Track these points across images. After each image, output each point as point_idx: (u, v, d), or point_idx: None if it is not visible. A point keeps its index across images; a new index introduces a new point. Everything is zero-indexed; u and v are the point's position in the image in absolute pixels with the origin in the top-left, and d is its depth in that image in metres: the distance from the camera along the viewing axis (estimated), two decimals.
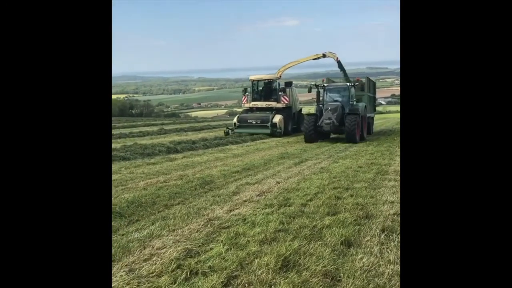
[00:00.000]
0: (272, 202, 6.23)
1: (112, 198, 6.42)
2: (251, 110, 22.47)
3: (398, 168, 9.09)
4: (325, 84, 19.24)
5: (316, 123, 17.40)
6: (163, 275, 3.57)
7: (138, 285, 3.39)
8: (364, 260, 3.86)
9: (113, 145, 14.88)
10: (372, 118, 23.79)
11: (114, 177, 8.65)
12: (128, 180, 8.33)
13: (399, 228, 4.63)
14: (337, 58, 22.39)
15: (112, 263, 3.85)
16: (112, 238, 4.60)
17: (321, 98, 18.79)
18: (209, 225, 5.04)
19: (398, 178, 7.97)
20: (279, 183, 7.88)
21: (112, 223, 5.14)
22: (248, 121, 21.22)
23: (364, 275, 3.55)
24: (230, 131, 21.08)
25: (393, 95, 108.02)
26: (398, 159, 11.03)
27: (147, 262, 3.86)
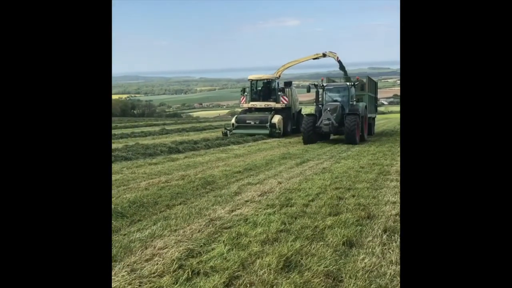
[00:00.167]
0: (274, 203, 6.23)
1: (114, 198, 6.43)
2: (249, 110, 22.05)
3: None
4: (324, 84, 18.73)
5: (315, 124, 16.94)
6: (164, 275, 3.57)
7: (139, 285, 3.39)
8: (366, 260, 3.85)
9: (115, 145, 14.91)
10: (374, 118, 23.29)
11: (116, 177, 8.67)
12: (130, 180, 8.34)
13: None
14: (338, 57, 22.11)
15: (114, 263, 3.86)
16: (114, 238, 4.60)
17: (320, 98, 18.33)
18: (210, 225, 5.04)
19: None
20: (281, 184, 7.87)
21: (114, 223, 5.15)
22: (247, 121, 20.74)
23: (366, 276, 3.54)
24: (228, 131, 20.64)
25: (395, 95, 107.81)
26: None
27: (149, 262, 3.86)
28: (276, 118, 20.19)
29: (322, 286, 3.39)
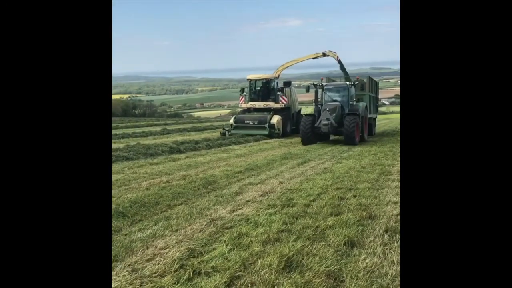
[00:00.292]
0: (275, 203, 6.23)
1: (115, 198, 6.43)
2: (248, 110, 21.77)
3: None
4: (324, 84, 18.35)
5: (313, 124, 16.54)
6: (166, 275, 3.57)
7: (141, 285, 3.39)
8: (367, 260, 3.85)
9: (117, 145, 14.93)
10: (374, 119, 22.99)
11: (117, 177, 8.67)
12: (131, 180, 8.34)
13: None
14: (338, 57, 21.79)
15: (115, 263, 3.86)
16: (115, 238, 4.60)
17: (319, 98, 17.98)
18: (212, 225, 5.04)
19: None
20: (282, 184, 7.87)
21: (115, 223, 5.15)
22: (245, 122, 20.40)
23: (368, 276, 3.54)
24: (226, 132, 20.35)
25: (396, 96, 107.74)
26: None
27: (150, 262, 3.86)
28: (275, 119, 19.91)
29: (324, 286, 3.38)
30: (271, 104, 21.15)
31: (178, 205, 6.22)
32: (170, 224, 5.11)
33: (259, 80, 22.38)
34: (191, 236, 4.63)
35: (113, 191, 7.08)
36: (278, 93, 21.42)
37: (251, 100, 21.85)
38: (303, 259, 3.89)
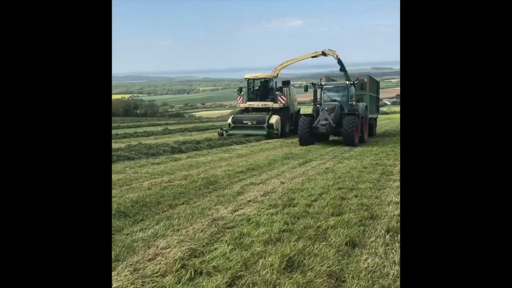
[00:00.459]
0: (276, 203, 6.23)
1: (117, 198, 6.44)
2: (246, 110, 21.36)
3: None
4: (323, 83, 17.88)
5: (312, 124, 16.14)
6: (167, 275, 3.57)
7: (142, 285, 3.39)
8: (369, 261, 3.84)
9: (118, 145, 14.94)
10: (375, 119, 22.59)
11: (118, 176, 8.68)
12: (133, 180, 8.35)
13: None
14: (337, 56, 21.29)
15: (117, 262, 3.87)
16: (117, 238, 4.61)
17: (318, 98, 17.56)
18: (213, 225, 5.04)
19: None
20: (283, 184, 7.87)
21: (117, 223, 5.16)
22: (243, 122, 19.96)
23: (369, 276, 3.53)
24: (224, 132, 19.97)
25: (398, 96, 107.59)
26: None
27: (152, 262, 3.86)
28: (274, 119, 19.57)
29: (325, 286, 3.38)
30: (269, 104, 20.81)
31: (180, 205, 6.22)
32: (171, 224, 5.12)
33: (257, 79, 21.98)
34: (193, 236, 4.64)
35: (114, 191, 7.09)
36: (277, 92, 21.04)
37: (249, 99, 21.47)
38: (304, 259, 3.89)
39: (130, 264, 3.80)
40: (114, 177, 8.58)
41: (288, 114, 21.39)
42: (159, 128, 25.61)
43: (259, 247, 4.20)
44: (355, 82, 17.64)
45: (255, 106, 21.15)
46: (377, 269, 3.69)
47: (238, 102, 22.13)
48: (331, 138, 17.71)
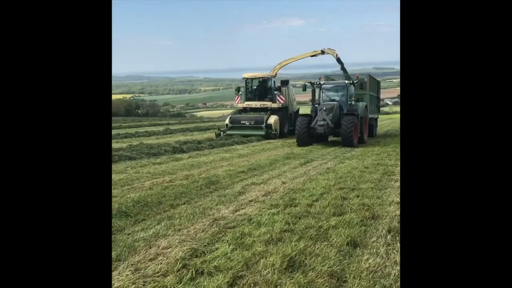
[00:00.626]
0: (277, 203, 6.23)
1: (118, 198, 6.45)
2: (244, 110, 20.90)
3: None
4: (321, 82, 17.37)
5: (309, 125, 15.74)
6: (168, 275, 3.57)
7: (143, 285, 3.39)
8: (370, 261, 3.84)
9: (119, 145, 14.96)
10: (376, 119, 22.14)
11: (120, 176, 8.69)
12: (134, 180, 8.36)
13: None
14: (337, 55, 21.03)
15: (118, 262, 3.87)
16: (118, 237, 4.61)
17: (317, 98, 17.13)
18: (214, 225, 5.04)
19: None
20: (285, 184, 7.87)
21: (118, 222, 5.16)
22: (241, 122, 19.56)
23: (370, 276, 3.53)
24: (222, 132, 19.64)
25: (399, 96, 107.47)
26: None
27: (153, 262, 3.86)
28: (272, 119, 19.17)
29: (326, 286, 3.38)
30: (268, 104, 20.37)
31: (181, 205, 6.22)
32: (173, 223, 5.12)
33: (256, 79, 21.52)
34: (194, 235, 4.64)
35: (116, 191, 7.10)
36: (275, 92, 20.60)
37: (247, 99, 21.02)
38: (305, 259, 3.89)
39: (132, 264, 3.80)
40: (116, 177, 8.59)
41: (287, 114, 21.04)
42: (161, 128, 25.63)
43: (260, 247, 4.20)
44: (355, 82, 17.22)
45: (253, 106, 20.75)
46: (378, 269, 3.69)
47: (236, 102, 21.69)
48: (330, 138, 17.47)
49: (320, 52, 21.49)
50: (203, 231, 4.81)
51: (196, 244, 4.30)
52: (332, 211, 5.61)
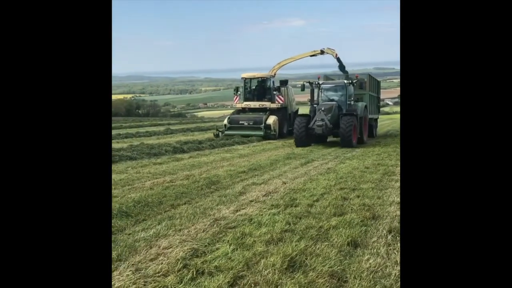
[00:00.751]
0: (278, 203, 6.23)
1: (119, 198, 6.45)
2: (243, 110, 20.70)
3: None
4: (320, 82, 17.10)
5: (308, 125, 15.47)
6: (169, 275, 3.57)
7: (144, 285, 3.39)
8: (370, 261, 3.84)
9: (120, 145, 14.97)
10: (376, 119, 21.95)
11: (121, 176, 8.70)
12: (135, 180, 8.36)
13: None
14: (336, 54, 20.88)
15: (119, 262, 3.87)
16: (119, 237, 4.62)
17: (316, 98, 16.83)
18: (215, 225, 5.04)
19: None
20: (285, 184, 7.87)
21: (119, 222, 5.17)
22: (240, 122, 19.31)
23: (371, 276, 3.53)
24: (220, 133, 19.42)
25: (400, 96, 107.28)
26: None
27: (154, 262, 3.86)
28: (271, 119, 18.97)
29: (327, 286, 3.38)
30: (267, 104, 20.17)
31: (182, 205, 6.22)
32: (173, 223, 5.12)
33: (254, 78, 21.31)
34: (195, 236, 4.64)
35: (116, 191, 7.10)
36: (274, 92, 20.40)
37: (246, 99, 20.83)
38: (306, 259, 3.89)
39: (132, 264, 3.81)
40: (116, 177, 8.59)
41: (286, 115, 20.84)
42: (161, 128, 25.63)
43: (261, 247, 4.20)
44: (354, 81, 16.95)
45: (252, 106, 20.54)
46: (379, 269, 3.69)
47: (235, 102, 21.51)
48: (329, 139, 17.30)
49: (319, 52, 21.32)
50: (203, 231, 4.81)
51: (196, 244, 4.30)
52: (332, 211, 5.61)
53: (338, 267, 3.70)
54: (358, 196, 6.65)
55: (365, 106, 17.54)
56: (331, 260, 3.84)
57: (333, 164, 10.74)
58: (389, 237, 4.55)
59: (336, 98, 16.58)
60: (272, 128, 18.83)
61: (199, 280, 3.48)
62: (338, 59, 21.17)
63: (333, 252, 4.06)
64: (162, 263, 3.79)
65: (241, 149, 14.94)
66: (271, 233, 4.60)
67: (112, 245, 4.27)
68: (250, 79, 21.40)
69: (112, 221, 5.16)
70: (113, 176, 8.64)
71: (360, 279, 3.47)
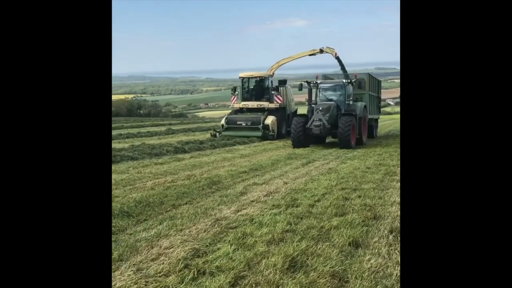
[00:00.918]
0: (279, 203, 6.23)
1: (120, 198, 6.46)
2: (241, 111, 20.34)
3: None
4: (318, 82, 16.74)
5: (305, 125, 15.14)
6: (170, 275, 3.57)
7: (145, 285, 3.40)
8: (372, 261, 3.84)
9: (121, 145, 14.97)
10: (376, 120, 21.68)
11: (122, 176, 8.70)
12: (136, 180, 8.37)
13: None
14: (336, 53, 20.63)
15: (120, 262, 3.88)
16: (120, 238, 4.62)
17: (314, 97, 16.49)
18: (216, 225, 5.04)
19: None
20: (286, 184, 7.86)
21: (120, 223, 5.17)
22: (237, 122, 18.95)
23: (372, 276, 3.53)
24: (217, 133, 19.15)
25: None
26: None
27: (155, 262, 3.87)
28: (270, 119, 18.58)
29: (328, 286, 3.38)
30: (265, 104, 19.82)
31: (183, 205, 6.23)
32: (174, 223, 5.13)
33: (252, 78, 20.94)
34: (196, 236, 4.64)
35: (118, 191, 7.11)
36: (273, 92, 20.05)
37: (244, 99, 20.52)
38: (307, 259, 3.89)
39: (134, 264, 3.81)
40: (118, 177, 8.60)
41: (285, 115, 20.43)
42: (162, 128, 25.64)
43: (262, 247, 4.20)
44: (353, 81, 16.59)
45: (250, 106, 20.17)
46: (380, 269, 3.68)
47: (232, 102, 21.16)
48: (328, 140, 17.07)
49: (318, 51, 21.01)
50: (205, 231, 4.81)
51: (198, 244, 4.30)
52: (334, 212, 5.61)
53: (339, 267, 3.70)
54: (360, 196, 6.65)
55: (365, 106, 17.20)
56: (332, 260, 3.84)
57: (334, 164, 10.74)
58: (391, 237, 4.54)
59: (334, 98, 16.27)
60: (270, 128, 18.49)
61: (200, 280, 3.48)
62: (338, 58, 20.93)
63: (334, 252, 4.06)
64: (163, 263, 3.80)
65: (242, 149, 14.95)
66: (272, 233, 4.60)
67: (114, 245, 4.28)
68: (248, 78, 21.05)
69: (114, 221, 5.17)
70: (115, 176, 8.65)
71: (361, 279, 3.47)
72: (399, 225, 4.94)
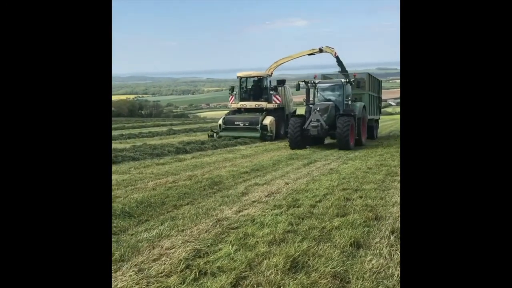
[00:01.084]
0: (281, 203, 6.22)
1: (122, 198, 6.47)
2: (239, 111, 20.03)
3: None
4: (316, 81, 16.33)
5: (303, 126, 14.79)
6: (172, 275, 3.58)
7: (147, 285, 3.40)
8: (373, 261, 3.84)
9: (123, 145, 14.99)
10: (376, 120, 21.30)
11: (123, 177, 8.71)
12: (138, 180, 8.37)
13: None
14: (335, 53, 20.39)
15: (122, 262, 3.88)
16: (122, 238, 4.63)
17: (312, 98, 16.22)
18: (218, 226, 5.04)
19: None
20: (288, 184, 7.86)
21: (122, 223, 5.18)
22: (235, 123, 18.65)
23: (373, 277, 3.53)
24: (214, 134, 18.91)
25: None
26: None
27: (156, 262, 3.87)
28: (268, 120, 18.26)
29: (329, 287, 3.38)
30: (263, 104, 19.48)
31: (184, 205, 6.23)
32: (176, 224, 5.13)
33: (250, 77, 20.59)
34: (197, 236, 4.64)
35: (119, 191, 7.11)
36: (271, 92, 19.71)
37: (242, 99, 20.16)
38: (309, 260, 3.89)
39: (135, 264, 3.81)
40: (119, 177, 8.61)
41: (283, 115, 20.01)
42: (164, 129, 25.65)
43: (263, 247, 4.20)
44: (351, 81, 16.12)
45: (248, 106, 19.84)
46: (381, 270, 3.68)
47: (230, 102, 20.80)
48: (327, 141, 16.86)
49: (318, 50, 20.83)
50: (206, 231, 4.82)
51: (199, 245, 4.31)
52: (335, 212, 5.61)
53: (341, 268, 3.70)
54: (361, 197, 6.64)
55: (364, 106, 16.88)
56: (334, 260, 3.84)
57: (336, 164, 10.74)
58: (392, 237, 4.54)
59: (333, 98, 15.90)
60: (268, 129, 18.19)
61: (201, 281, 3.48)
62: (337, 58, 20.68)
63: (335, 252, 4.06)
64: (164, 264, 3.80)
65: (244, 149, 14.95)
66: (273, 234, 4.60)
67: (115, 245, 4.28)
68: (246, 78, 20.71)
69: (115, 221, 5.17)
70: (116, 176, 8.66)
71: (362, 280, 3.47)
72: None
